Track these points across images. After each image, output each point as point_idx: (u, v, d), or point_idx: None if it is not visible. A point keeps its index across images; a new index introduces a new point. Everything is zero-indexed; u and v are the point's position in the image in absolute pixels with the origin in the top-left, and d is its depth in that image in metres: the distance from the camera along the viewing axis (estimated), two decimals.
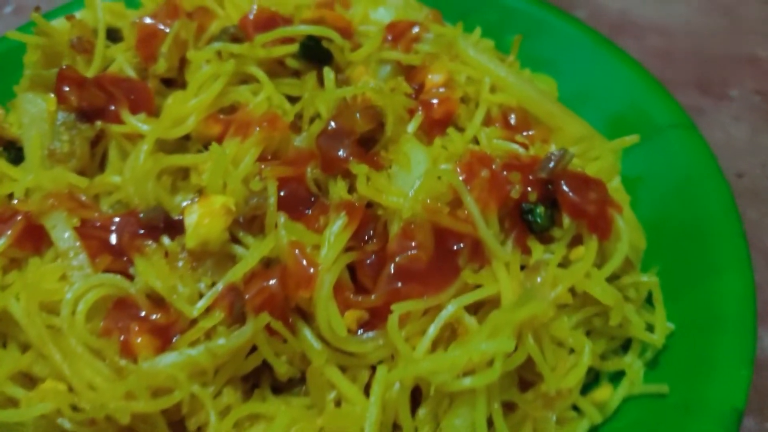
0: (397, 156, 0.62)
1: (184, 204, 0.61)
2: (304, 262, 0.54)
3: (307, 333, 0.55)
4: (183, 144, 0.68)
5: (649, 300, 0.64)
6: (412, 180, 0.59)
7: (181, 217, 0.60)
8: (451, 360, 0.52)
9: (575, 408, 0.60)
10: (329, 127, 0.62)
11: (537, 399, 0.56)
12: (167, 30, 0.70)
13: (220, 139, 0.66)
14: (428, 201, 0.57)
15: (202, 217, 0.56)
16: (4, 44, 0.82)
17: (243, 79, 0.71)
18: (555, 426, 0.57)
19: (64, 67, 0.65)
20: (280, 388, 0.57)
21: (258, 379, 0.57)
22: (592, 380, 0.63)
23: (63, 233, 0.55)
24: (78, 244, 0.55)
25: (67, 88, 0.63)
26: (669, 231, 0.69)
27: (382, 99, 0.64)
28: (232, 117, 0.68)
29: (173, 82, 0.73)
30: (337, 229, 0.56)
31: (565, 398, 0.57)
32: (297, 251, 0.55)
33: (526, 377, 0.58)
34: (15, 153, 0.67)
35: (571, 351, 0.59)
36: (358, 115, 0.62)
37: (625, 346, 0.64)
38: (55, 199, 0.57)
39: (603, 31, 1.02)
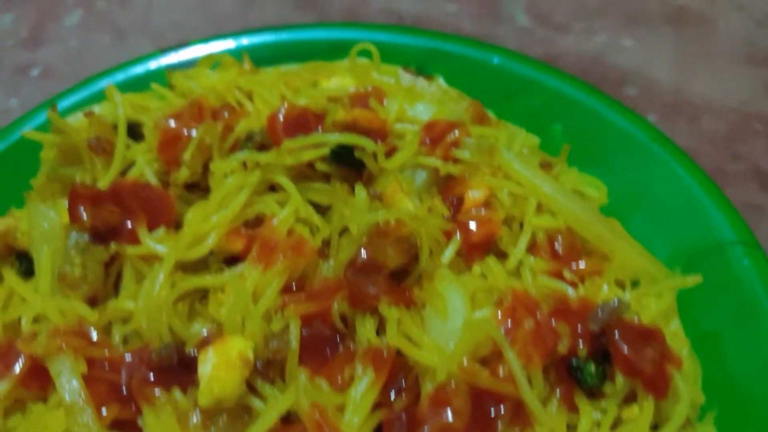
0: (431, 297, 0.57)
1: (203, 333, 0.57)
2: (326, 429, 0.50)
3: None
4: (203, 258, 0.63)
5: None
6: (447, 330, 0.54)
7: (196, 353, 0.56)
8: None
9: None
10: (359, 259, 0.57)
11: None
12: (190, 132, 0.67)
13: (243, 256, 0.62)
14: (465, 361, 0.52)
15: (217, 369, 0.52)
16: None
17: (268, 185, 0.67)
18: None
19: (76, 183, 0.61)
20: None
21: None
22: None
23: (69, 382, 0.51)
24: (84, 396, 0.51)
25: (80, 207, 0.59)
26: (725, 356, 0.63)
27: (418, 226, 0.59)
28: (256, 232, 0.63)
29: (195, 186, 0.69)
30: (363, 389, 0.51)
31: None
32: (318, 415, 0.50)
33: None
34: (27, 265, 0.63)
35: None
36: (389, 248, 0.57)
37: None
38: (62, 338, 0.53)
39: (656, 111, 0.96)
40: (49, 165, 0.70)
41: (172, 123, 0.67)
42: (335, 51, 0.86)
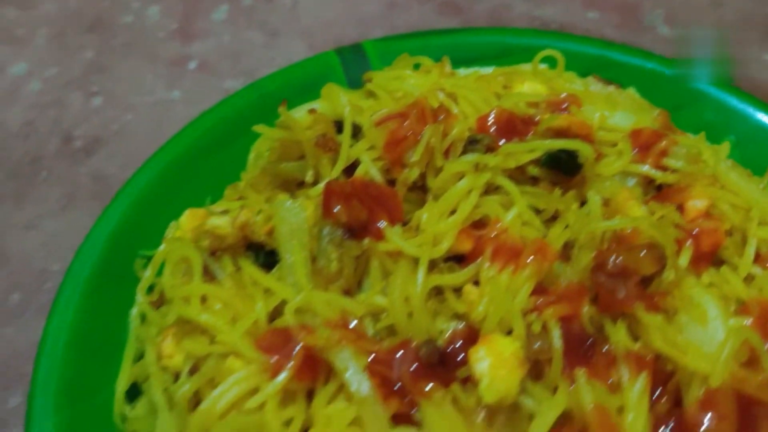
0: (684, 303, 0.58)
1: (454, 331, 0.58)
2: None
3: None
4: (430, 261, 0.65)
5: None
6: (708, 337, 0.56)
7: (450, 349, 0.58)
8: None
9: None
10: (609, 265, 0.59)
11: None
12: (414, 133, 0.68)
13: (470, 256, 0.64)
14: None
15: (495, 369, 0.53)
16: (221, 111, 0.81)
17: (489, 189, 0.68)
18: None
19: (331, 180, 0.63)
20: None
21: None
22: None
23: (358, 377, 0.53)
24: (370, 393, 0.52)
25: (334, 203, 0.61)
26: None
27: (659, 234, 0.61)
28: (483, 234, 0.65)
29: (413, 186, 0.70)
30: (639, 390, 0.53)
31: None
32: (601, 416, 0.52)
33: None
34: (264, 257, 0.64)
35: None
36: (643, 254, 0.58)
37: None
38: (340, 332, 0.54)
39: None
40: (265, 159, 0.72)
41: (400, 122, 0.68)
42: (503, 55, 0.88)
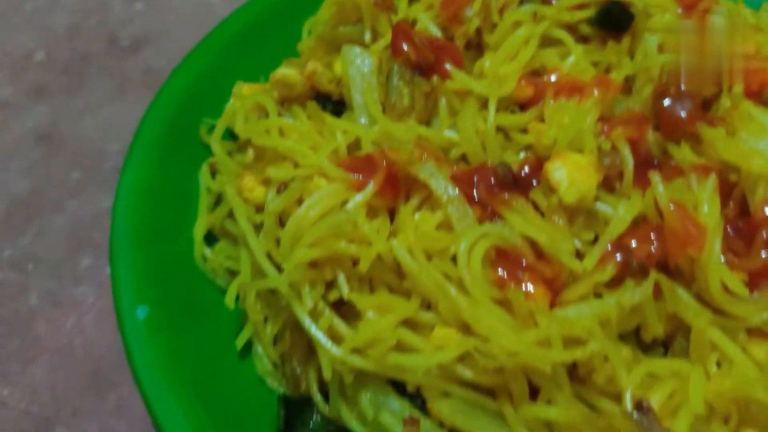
0: (743, 122, 0.61)
1: (525, 159, 0.61)
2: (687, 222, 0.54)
3: (682, 294, 0.54)
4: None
5: None
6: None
7: (521, 174, 0.60)
8: None
9: None
10: (671, 89, 0.62)
11: None
12: None
13: (533, 102, 0.66)
14: None
15: (572, 173, 0.56)
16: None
17: (544, 43, 0.71)
18: None
19: (399, 20, 0.65)
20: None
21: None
22: None
23: (442, 183, 0.55)
24: (458, 193, 0.55)
25: (403, 43, 0.63)
26: None
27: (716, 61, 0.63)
28: (543, 80, 0.67)
29: (469, 45, 0.72)
30: (710, 190, 0.55)
31: None
32: (678, 210, 0.54)
33: None
34: (332, 107, 0.67)
35: None
36: (704, 76, 0.61)
37: None
38: (421, 150, 0.57)
39: None
40: (324, 25, 0.74)
41: None
42: None
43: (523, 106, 0.67)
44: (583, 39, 0.73)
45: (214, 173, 0.68)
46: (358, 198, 0.55)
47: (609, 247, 0.53)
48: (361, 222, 0.54)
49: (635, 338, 0.56)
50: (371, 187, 0.56)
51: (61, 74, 0.88)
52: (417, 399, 0.53)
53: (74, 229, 0.75)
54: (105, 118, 0.83)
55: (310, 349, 0.56)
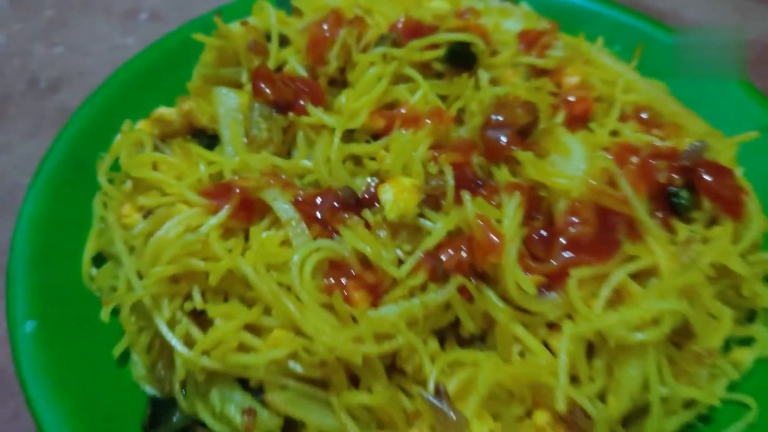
0: (554, 145, 0.71)
1: (369, 182, 0.70)
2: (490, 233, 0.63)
3: (490, 294, 0.63)
4: (350, 136, 0.77)
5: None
6: (573, 165, 0.68)
7: (365, 196, 0.69)
8: (627, 317, 0.60)
9: None
10: (492, 121, 0.71)
11: (690, 357, 0.64)
12: (331, 35, 0.80)
13: (384, 132, 0.75)
14: (592, 183, 0.66)
15: (398, 194, 0.65)
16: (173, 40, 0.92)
17: (398, 80, 0.80)
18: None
19: (259, 65, 0.74)
20: (461, 344, 0.65)
21: (443, 335, 0.65)
22: (723, 347, 0.71)
23: (284, 205, 0.64)
24: (298, 215, 0.63)
25: (262, 84, 0.72)
26: None
27: (533, 96, 0.73)
28: (393, 112, 0.77)
29: (335, 82, 0.82)
30: (514, 205, 0.65)
31: (714, 356, 0.65)
32: (482, 223, 0.63)
33: (672, 339, 0.66)
34: (207, 140, 0.76)
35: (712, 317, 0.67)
36: (519, 109, 0.71)
37: (749, 318, 0.73)
38: (270, 177, 0.66)
39: None
40: (207, 67, 0.83)
41: (320, 27, 0.80)
42: None
43: (377, 136, 0.76)
44: (438, 75, 0.83)
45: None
46: (212, 221, 0.64)
47: (423, 256, 0.63)
48: (212, 241, 0.63)
49: (455, 334, 0.65)
50: (225, 211, 0.65)
51: None
52: (260, 393, 0.61)
53: None
54: (20, 155, 0.92)
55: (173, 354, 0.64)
